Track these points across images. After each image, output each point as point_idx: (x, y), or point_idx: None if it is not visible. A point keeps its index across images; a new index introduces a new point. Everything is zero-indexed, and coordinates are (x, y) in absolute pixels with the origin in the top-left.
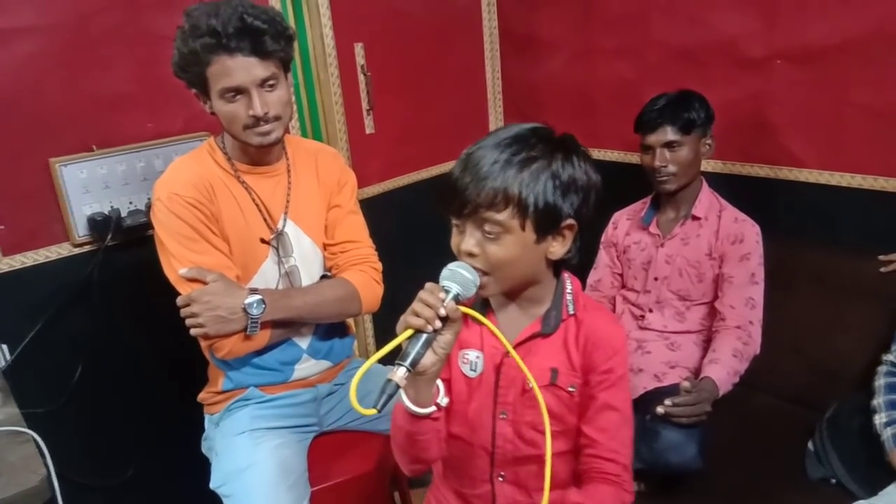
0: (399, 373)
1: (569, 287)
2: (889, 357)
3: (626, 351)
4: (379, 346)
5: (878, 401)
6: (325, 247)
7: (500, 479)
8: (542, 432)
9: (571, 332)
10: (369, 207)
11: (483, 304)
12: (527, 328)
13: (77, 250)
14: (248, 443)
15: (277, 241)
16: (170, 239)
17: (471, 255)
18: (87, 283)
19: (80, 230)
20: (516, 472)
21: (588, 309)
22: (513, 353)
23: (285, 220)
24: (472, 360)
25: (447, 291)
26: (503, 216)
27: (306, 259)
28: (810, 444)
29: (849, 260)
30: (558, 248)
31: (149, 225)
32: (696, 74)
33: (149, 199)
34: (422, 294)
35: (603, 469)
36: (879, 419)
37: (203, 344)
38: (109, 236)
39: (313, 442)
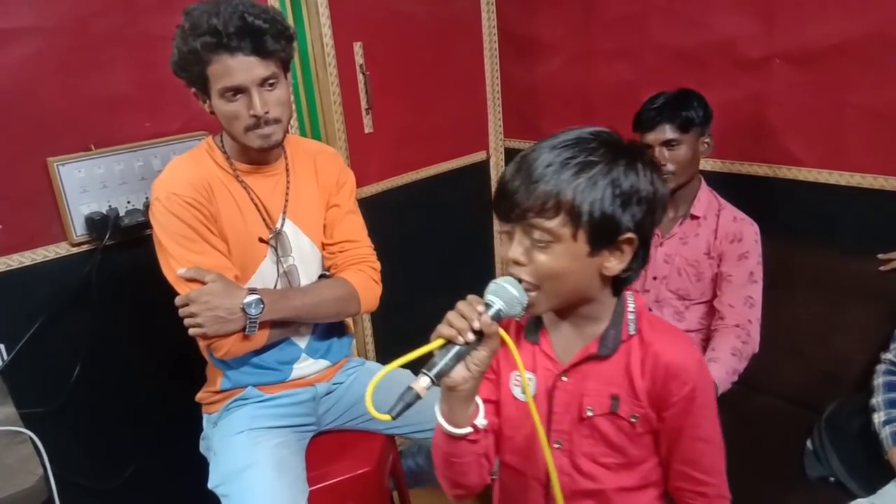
0: (422, 382)
1: (630, 305)
2: (888, 356)
3: (706, 371)
4: (378, 347)
5: (877, 399)
6: (323, 246)
7: None
8: (603, 465)
9: (635, 355)
10: (368, 207)
11: (537, 323)
12: (582, 350)
13: (75, 250)
14: (246, 442)
15: (276, 241)
16: (168, 239)
17: (517, 263)
18: (85, 283)
19: (78, 230)
20: None
21: (655, 329)
22: (514, 352)
23: (284, 219)
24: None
25: (489, 306)
26: (553, 224)
27: (305, 259)
28: (809, 444)
29: (848, 259)
30: (615, 263)
31: (147, 224)
32: (695, 75)
33: (147, 198)
34: (459, 304)
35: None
36: (878, 418)
37: (201, 344)
38: (107, 236)
39: (312, 441)
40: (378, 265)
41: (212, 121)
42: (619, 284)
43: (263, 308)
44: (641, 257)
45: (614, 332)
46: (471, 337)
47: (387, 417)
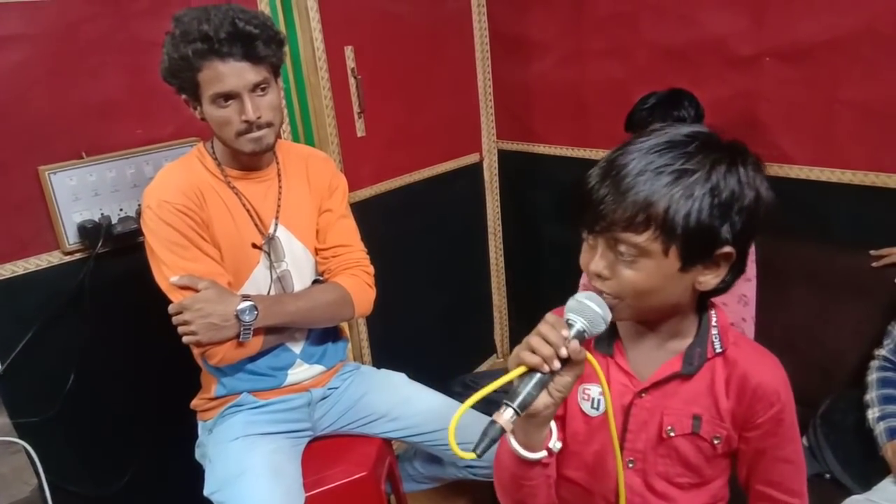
0: (506, 415)
1: (714, 320)
2: (882, 352)
3: (790, 393)
4: (373, 351)
5: (871, 395)
6: (316, 251)
7: None
8: (677, 485)
9: (720, 374)
10: (361, 211)
11: (611, 333)
12: (664, 366)
13: (67, 258)
14: (241, 449)
15: (269, 247)
16: (160, 247)
17: (600, 276)
18: (79, 291)
19: (71, 238)
20: None
21: (740, 346)
22: (600, 374)
23: (276, 224)
24: (594, 397)
25: (571, 326)
26: (642, 238)
27: (298, 264)
28: (804, 440)
29: (840, 255)
30: (710, 279)
31: (139, 232)
32: (686, 73)
33: (139, 205)
34: (542, 328)
35: None
36: (872, 414)
37: (196, 351)
38: (100, 244)
39: (307, 447)
40: (371, 269)
41: (203, 127)
42: (706, 296)
43: (257, 314)
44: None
45: (700, 350)
46: (557, 365)
47: (472, 456)
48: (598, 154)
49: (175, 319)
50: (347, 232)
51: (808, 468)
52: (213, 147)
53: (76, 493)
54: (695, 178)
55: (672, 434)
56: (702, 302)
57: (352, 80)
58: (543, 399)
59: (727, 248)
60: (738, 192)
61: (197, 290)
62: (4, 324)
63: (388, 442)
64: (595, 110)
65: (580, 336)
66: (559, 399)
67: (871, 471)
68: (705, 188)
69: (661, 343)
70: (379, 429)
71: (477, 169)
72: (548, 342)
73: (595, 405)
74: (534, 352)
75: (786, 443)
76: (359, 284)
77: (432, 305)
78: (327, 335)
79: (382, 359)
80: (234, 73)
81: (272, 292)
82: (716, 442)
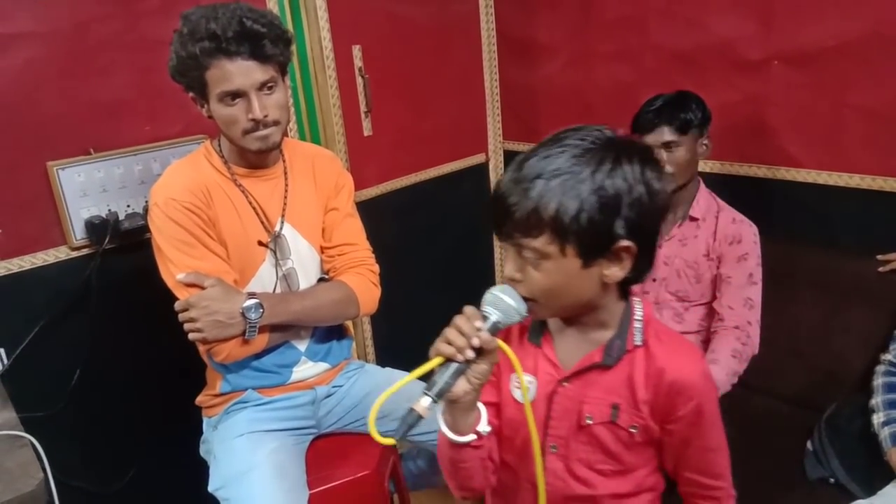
0: (423, 403)
1: (638, 313)
2: (888, 357)
3: (711, 383)
4: (377, 349)
5: (877, 400)
6: (322, 250)
7: None
8: (598, 471)
9: (639, 366)
10: (367, 210)
11: (540, 326)
12: (586, 357)
13: (75, 254)
14: (246, 445)
15: (275, 244)
16: (167, 244)
17: (514, 280)
18: (85, 287)
19: (78, 234)
20: None
21: (662, 339)
22: (514, 362)
23: (282, 223)
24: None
25: (486, 318)
26: (539, 241)
27: (303, 262)
28: (809, 445)
29: (847, 260)
30: (616, 272)
31: (146, 228)
32: (693, 77)
33: (146, 202)
34: (457, 319)
35: None
36: (877, 418)
37: (201, 348)
38: (107, 240)
39: (312, 444)
40: (377, 268)
41: (211, 124)
42: (625, 286)
43: (263, 312)
44: (647, 260)
45: (619, 343)
46: (470, 354)
47: (391, 441)
48: None
49: (181, 317)
50: (353, 231)
51: (812, 472)
52: (220, 145)
53: (82, 487)
54: (581, 178)
55: (590, 422)
56: (624, 291)
57: (359, 80)
58: (462, 386)
59: (625, 242)
60: (625, 189)
61: (203, 288)
62: (11, 318)
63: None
64: (601, 113)
65: (495, 327)
66: (477, 385)
67: (875, 476)
68: (591, 188)
69: (585, 334)
70: (384, 427)
71: (483, 169)
72: (462, 333)
73: (523, 395)
74: (449, 343)
75: (708, 432)
76: (364, 283)
77: (437, 304)
78: (332, 333)
79: (386, 357)
80: (241, 71)
81: (278, 290)
82: (633, 431)
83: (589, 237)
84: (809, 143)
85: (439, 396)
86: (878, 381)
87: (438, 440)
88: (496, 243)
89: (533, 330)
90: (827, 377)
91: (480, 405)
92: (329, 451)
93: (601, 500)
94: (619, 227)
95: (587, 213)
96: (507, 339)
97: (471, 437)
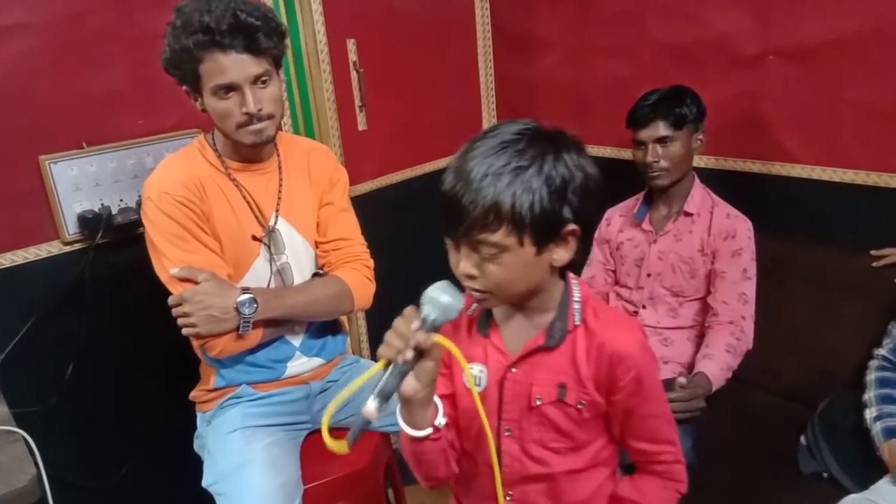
0: (370, 406)
1: (576, 294)
2: (881, 352)
3: (648, 353)
4: (372, 344)
5: (869, 395)
6: (317, 244)
7: (508, 498)
8: (552, 450)
9: (581, 344)
10: (361, 205)
11: (487, 317)
12: (531, 341)
13: (67, 248)
14: (240, 441)
15: (269, 239)
16: (160, 238)
17: (470, 276)
18: (78, 282)
19: (71, 228)
20: (524, 492)
21: (600, 317)
22: (457, 356)
23: (277, 217)
24: (475, 375)
25: (426, 318)
26: (498, 236)
27: (298, 257)
28: (803, 439)
29: (841, 255)
30: (563, 254)
31: (139, 223)
32: (690, 72)
33: (139, 196)
34: (396, 321)
35: (652, 469)
36: (870, 413)
37: (195, 343)
38: (100, 234)
39: (306, 439)
40: (371, 263)
41: (205, 118)
42: (563, 269)
43: (257, 307)
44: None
45: (560, 324)
46: (409, 355)
47: (344, 450)
48: (602, 152)
49: (175, 311)
50: (348, 225)
51: (805, 466)
52: (213, 139)
53: (75, 482)
54: (530, 172)
55: (540, 402)
56: (562, 273)
57: (354, 74)
58: (411, 384)
59: (571, 226)
60: (569, 176)
61: (197, 283)
62: (4, 313)
63: (386, 436)
64: (598, 108)
65: (434, 325)
66: (427, 382)
67: (868, 470)
68: (541, 179)
69: (529, 320)
70: (378, 423)
71: None
72: (398, 335)
73: (477, 382)
74: (389, 345)
75: (650, 400)
76: (359, 278)
77: None
78: (327, 328)
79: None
80: (235, 65)
81: (272, 285)
82: (580, 407)
83: (543, 225)
84: (805, 139)
85: (385, 398)
86: (871, 375)
87: (400, 436)
88: None
89: (480, 321)
90: (821, 372)
91: (437, 399)
92: (323, 446)
93: (557, 477)
94: (567, 212)
95: (539, 202)
96: (456, 333)
97: (428, 430)
